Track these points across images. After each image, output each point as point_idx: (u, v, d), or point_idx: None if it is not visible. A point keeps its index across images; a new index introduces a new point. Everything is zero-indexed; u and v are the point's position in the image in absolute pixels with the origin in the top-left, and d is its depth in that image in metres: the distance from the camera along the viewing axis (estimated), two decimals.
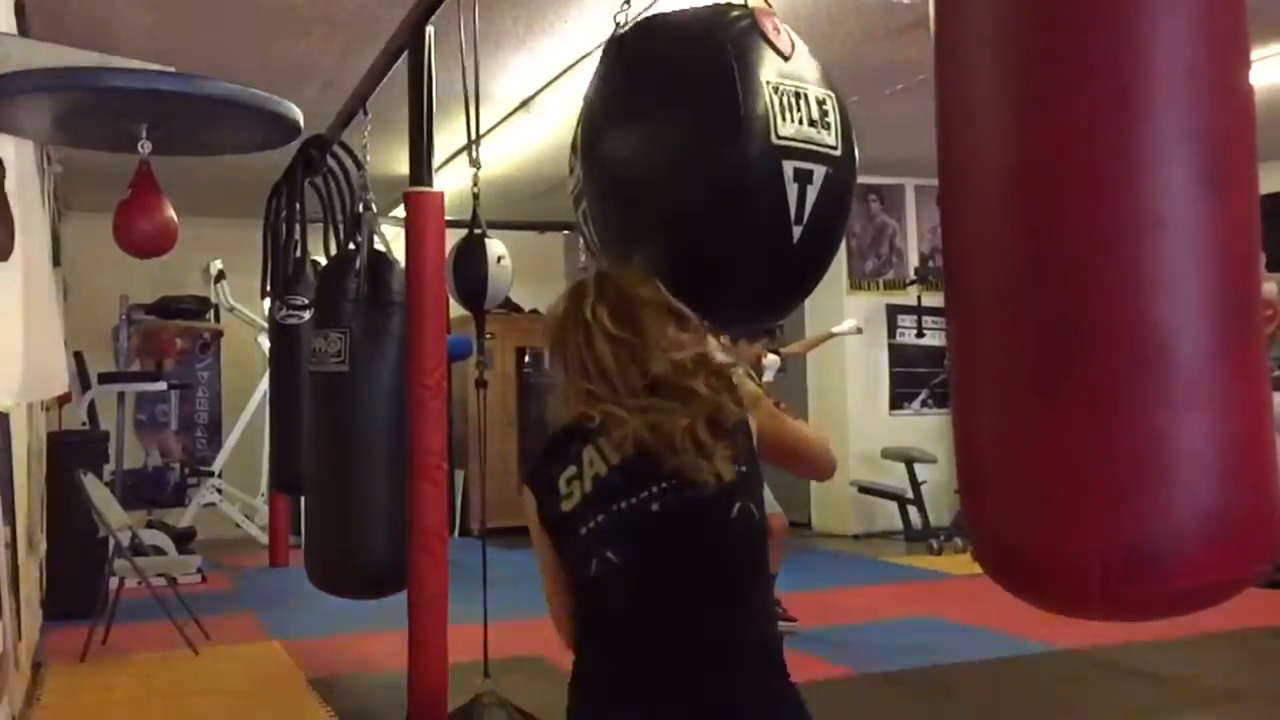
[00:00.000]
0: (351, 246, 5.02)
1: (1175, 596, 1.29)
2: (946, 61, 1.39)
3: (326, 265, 5.37)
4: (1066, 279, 1.25)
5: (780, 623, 5.80)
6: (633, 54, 2.31)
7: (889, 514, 9.20)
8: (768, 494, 6.40)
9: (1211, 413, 1.25)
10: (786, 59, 2.22)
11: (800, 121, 2.16)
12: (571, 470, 1.79)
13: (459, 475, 9.65)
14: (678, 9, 2.38)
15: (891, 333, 9.73)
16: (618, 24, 2.38)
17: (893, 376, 9.71)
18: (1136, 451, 1.24)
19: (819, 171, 2.17)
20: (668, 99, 2.20)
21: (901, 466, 8.95)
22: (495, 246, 3.89)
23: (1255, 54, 6.36)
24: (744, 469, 1.77)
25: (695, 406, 1.76)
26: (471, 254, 3.87)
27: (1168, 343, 1.23)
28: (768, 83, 2.15)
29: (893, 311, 9.74)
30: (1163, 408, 1.23)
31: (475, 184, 4.04)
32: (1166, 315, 1.23)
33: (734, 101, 2.12)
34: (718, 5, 2.33)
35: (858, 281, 9.64)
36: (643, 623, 1.77)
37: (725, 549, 1.77)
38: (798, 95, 2.18)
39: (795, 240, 2.17)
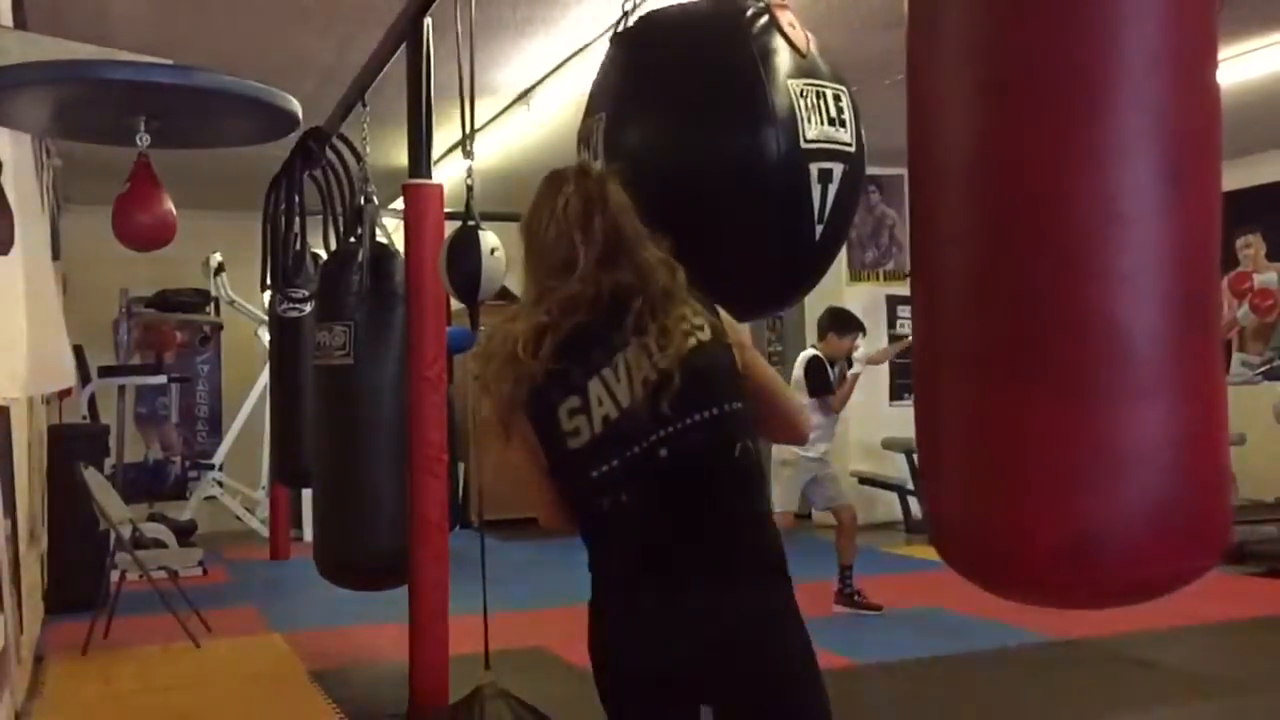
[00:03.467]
0: (353, 239, 5.02)
1: (1123, 585, 1.30)
2: (918, 53, 1.40)
3: (329, 258, 5.36)
4: (1026, 269, 1.27)
5: (866, 609, 5.90)
6: (653, 49, 2.29)
7: (889, 505, 9.21)
8: (840, 485, 6.43)
9: (1165, 405, 1.26)
10: (804, 56, 2.23)
11: (822, 122, 2.18)
12: (574, 402, 1.81)
13: (460, 468, 9.64)
14: (690, 2, 2.38)
15: (891, 323, 9.72)
16: (625, 13, 2.38)
17: (893, 367, 9.70)
18: (1089, 441, 1.25)
19: (838, 169, 2.19)
20: (695, 99, 2.20)
21: (902, 457, 8.95)
22: (489, 238, 3.88)
23: (1257, 42, 6.29)
24: (738, 405, 1.83)
25: (684, 337, 1.79)
26: (465, 246, 3.86)
27: (1124, 335, 1.24)
28: (792, 84, 2.16)
29: (892, 302, 9.72)
30: (1116, 399, 1.24)
31: (469, 176, 4.03)
32: (1124, 308, 1.24)
33: (765, 106, 2.13)
34: (732, 2, 2.32)
35: (857, 272, 9.63)
36: (648, 549, 1.84)
37: (728, 488, 1.83)
38: (819, 95, 2.20)
39: (817, 238, 2.19)
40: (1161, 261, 1.25)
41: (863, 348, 6.32)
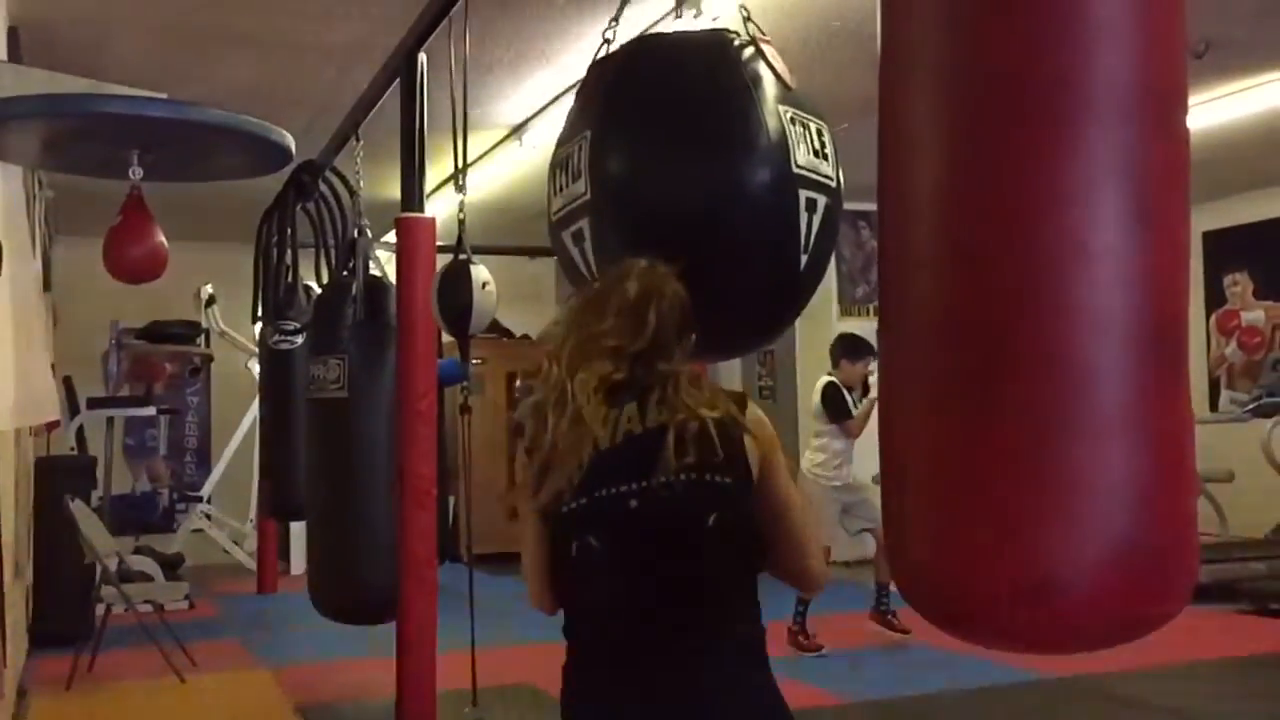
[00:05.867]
0: (346, 272, 5.02)
1: (1086, 629, 1.27)
2: (888, 88, 1.39)
3: (323, 291, 5.37)
4: (992, 306, 1.25)
5: (898, 632, 5.84)
6: (640, 71, 2.28)
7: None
8: (875, 506, 6.37)
9: (1130, 445, 1.23)
10: (789, 89, 2.24)
11: (809, 153, 2.19)
12: None
13: (450, 502, 9.61)
14: (676, 31, 2.39)
15: None
16: (606, 40, 2.39)
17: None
18: (1053, 479, 1.22)
19: (821, 201, 2.19)
20: (687, 118, 2.18)
21: None
22: (480, 272, 3.90)
23: (1242, 84, 6.35)
24: (727, 480, 1.76)
25: (684, 410, 1.77)
26: (456, 280, 3.88)
27: (1089, 373, 1.22)
28: (781, 109, 2.17)
29: None
30: (1082, 437, 1.22)
31: (461, 210, 4.05)
32: (1089, 346, 1.23)
33: (758, 126, 2.13)
34: (717, 30, 2.34)
35: (848, 307, 9.65)
36: (612, 613, 1.80)
37: (696, 555, 1.77)
38: (805, 126, 2.21)
39: (801, 268, 2.19)
40: (1128, 299, 1.24)
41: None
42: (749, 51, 2.26)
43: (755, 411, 1.85)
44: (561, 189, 2.27)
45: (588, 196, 2.19)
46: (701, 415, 1.76)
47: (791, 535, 1.85)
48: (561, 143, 2.31)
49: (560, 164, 2.28)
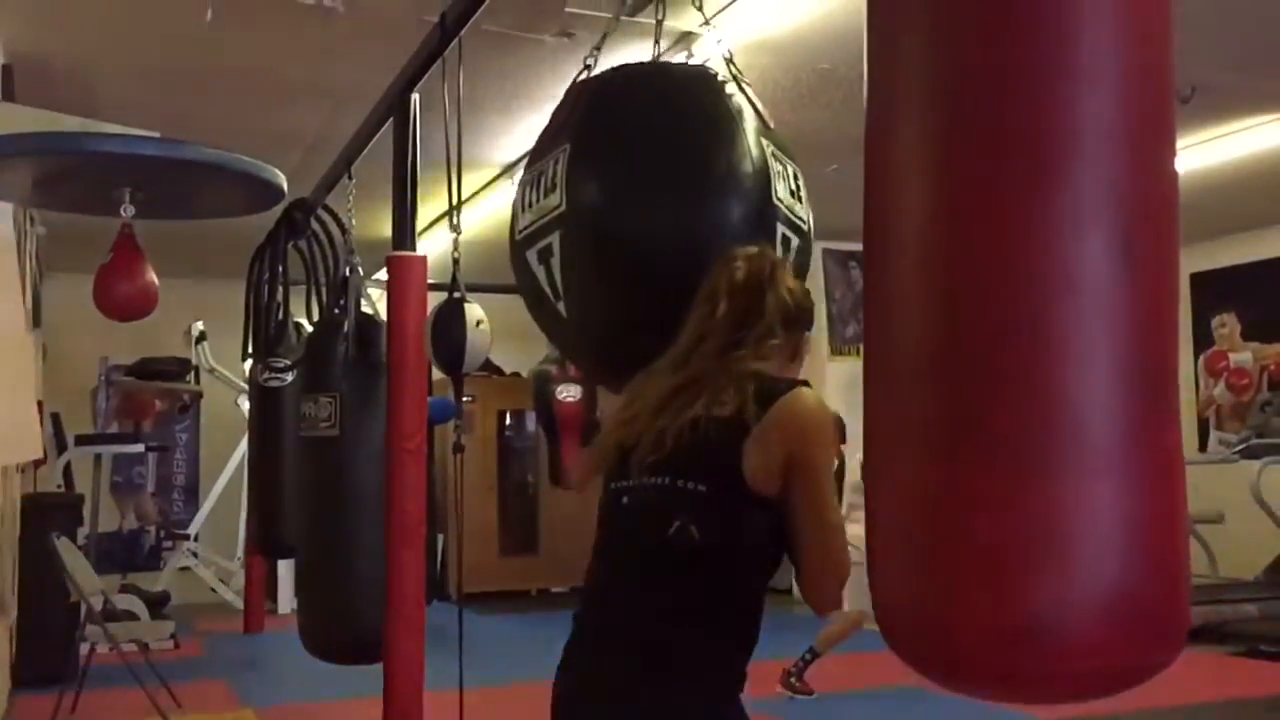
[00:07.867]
0: (337, 310, 5.03)
1: (1076, 677, 1.22)
2: (875, 127, 1.39)
3: (315, 328, 5.37)
4: (977, 343, 1.23)
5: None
6: (627, 92, 2.27)
7: None
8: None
9: (1118, 485, 1.20)
10: (769, 127, 2.26)
11: (786, 191, 2.19)
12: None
13: (439, 540, 9.55)
14: (659, 61, 2.41)
15: None
16: (587, 66, 2.40)
17: None
18: (1039, 521, 1.19)
19: (795, 242, 2.19)
20: (674, 139, 2.17)
21: None
22: (474, 311, 3.90)
23: (1229, 127, 6.40)
24: (700, 488, 1.72)
25: (687, 408, 1.76)
26: (450, 318, 3.88)
27: (1076, 410, 1.20)
28: (764, 142, 2.18)
29: None
30: (1068, 477, 1.19)
31: (456, 249, 4.05)
32: (1075, 382, 1.20)
33: (743, 153, 2.13)
34: (701, 66, 2.35)
35: (838, 347, 9.67)
36: (589, 596, 1.86)
37: (653, 560, 1.77)
38: (783, 164, 2.21)
39: None
40: (1115, 336, 1.22)
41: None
42: (732, 86, 2.28)
43: (788, 406, 1.73)
44: (531, 204, 2.22)
45: (562, 208, 2.14)
46: (713, 415, 1.73)
47: (803, 547, 1.74)
48: (533, 161, 2.29)
49: (532, 180, 2.24)
